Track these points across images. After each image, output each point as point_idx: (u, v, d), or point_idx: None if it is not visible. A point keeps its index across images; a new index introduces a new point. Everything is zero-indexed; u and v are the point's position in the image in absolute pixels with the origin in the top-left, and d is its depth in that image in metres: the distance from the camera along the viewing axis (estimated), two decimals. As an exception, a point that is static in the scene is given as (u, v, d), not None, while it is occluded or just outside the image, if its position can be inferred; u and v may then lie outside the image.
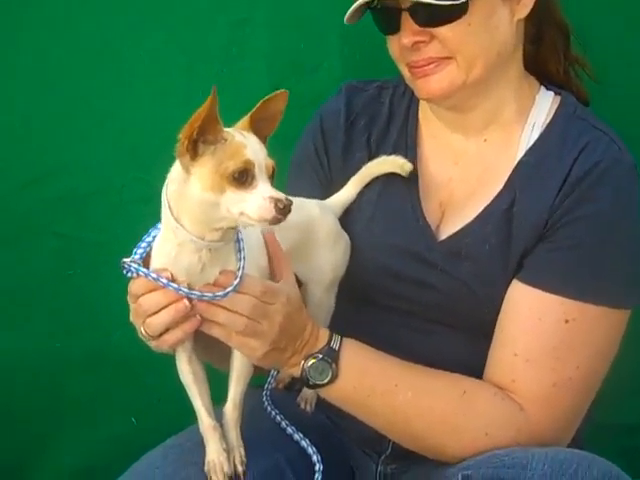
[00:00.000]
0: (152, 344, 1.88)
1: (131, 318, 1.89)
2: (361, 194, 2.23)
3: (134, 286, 1.84)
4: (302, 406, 2.19)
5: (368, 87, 2.35)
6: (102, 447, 2.85)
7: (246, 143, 1.73)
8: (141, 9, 2.68)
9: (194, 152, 1.71)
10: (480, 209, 2.09)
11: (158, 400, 2.79)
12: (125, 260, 1.82)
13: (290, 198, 1.71)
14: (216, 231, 1.77)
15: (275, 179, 1.76)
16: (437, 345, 2.12)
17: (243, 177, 1.69)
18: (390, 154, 2.22)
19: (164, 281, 1.78)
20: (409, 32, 2.04)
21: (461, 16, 2.00)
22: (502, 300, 2.03)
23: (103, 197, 2.72)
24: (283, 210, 1.69)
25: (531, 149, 2.10)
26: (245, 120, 1.80)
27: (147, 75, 2.71)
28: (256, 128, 1.79)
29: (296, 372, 1.97)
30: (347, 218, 2.21)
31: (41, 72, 2.69)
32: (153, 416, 2.81)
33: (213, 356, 1.96)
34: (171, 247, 1.80)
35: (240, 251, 1.83)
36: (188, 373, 1.91)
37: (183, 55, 2.69)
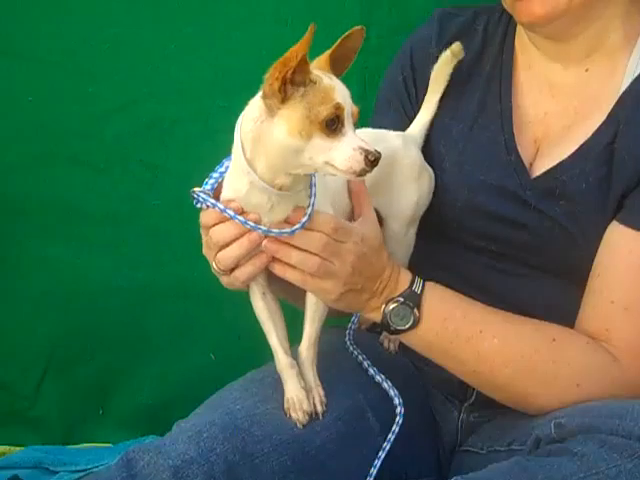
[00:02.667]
0: (224, 280, 1.85)
1: (203, 251, 1.85)
2: (449, 126, 2.14)
3: (205, 217, 1.79)
4: (385, 346, 2.15)
5: (462, 13, 2.24)
6: (181, 379, 2.86)
7: (335, 86, 1.65)
8: None
9: (284, 94, 1.62)
10: (578, 144, 1.99)
11: (238, 337, 2.80)
12: (195, 190, 1.77)
13: (377, 150, 1.64)
14: (289, 176, 1.70)
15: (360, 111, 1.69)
16: (526, 289, 2.04)
17: (334, 124, 1.62)
18: (483, 84, 2.13)
19: (231, 213, 1.73)
20: None
21: None
22: (599, 243, 1.93)
23: (188, 125, 2.69)
24: (373, 162, 1.62)
25: (637, 79, 1.97)
26: (324, 59, 1.70)
27: (236, 3, 2.66)
28: (332, 67, 1.70)
29: (376, 317, 1.90)
30: (434, 151, 2.13)
31: (122, 15, 2.69)
32: (233, 352, 2.81)
33: (288, 293, 1.92)
34: (241, 184, 1.74)
35: (311, 187, 1.76)
36: (263, 309, 1.87)
37: None
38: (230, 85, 2.57)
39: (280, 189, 1.71)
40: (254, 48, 2.58)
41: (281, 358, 1.86)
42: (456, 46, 2.11)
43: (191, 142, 2.69)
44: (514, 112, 2.09)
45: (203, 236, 1.83)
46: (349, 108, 1.64)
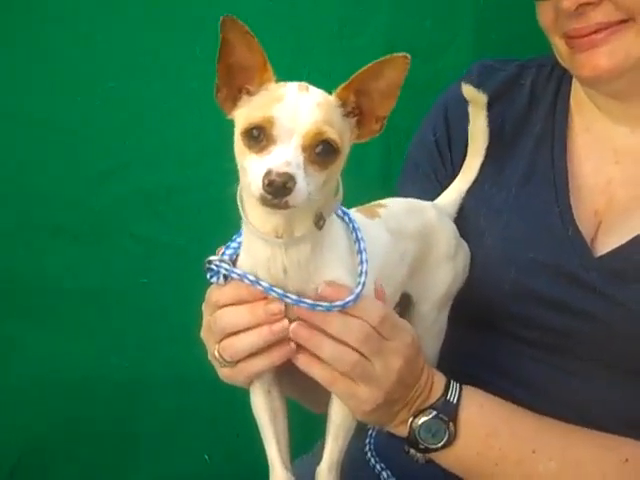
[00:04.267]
0: (224, 373, 1.61)
1: (202, 334, 1.64)
2: (492, 196, 1.97)
3: (218, 294, 1.56)
4: (412, 454, 1.84)
5: (505, 67, 2.10)
6: None
7: (283, 97, 1.41)
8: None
9: (233, 103, 1.48)
10: None
11: (237, 435, 2.62)
12: (212, 259, 1.54)
13: (289, 171, 1.36)
14: (275, 213, 1.43)
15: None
16: (588, 391, 1.82)
17: (258, 139, 1.39)
18: (531, 147, 1.98)
19: (265, 285, 1.48)
20: None
21: None
22: None
23: (186, 193, 2.55)
24: (271, 187, 1.34)
25: None
26: (345, 84, 1.47)
27: None
28: (362, 102, 1.48)
29: (402, 432, 1.69)
30: (472, 224, 1.96)
31: (118, 68, 2.54)
32: (230, 454, 2.66)
33: (303, 394, 1.72)
34: (248, 243, 1.52)
35: (362, 263, 1.53)
36: (264, 409, 1.62)
37: (293, 31, 2.50)
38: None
39: (278, 236, 1.47)
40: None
41: (278, 473, 1.61)
42: (468, 90, 1.95)
43: (189, 212, 2.55)
44: (570, 180, 1.93)
45: (205, 315, 1.61)
46: (295, 124, 1.39)
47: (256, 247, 1.50)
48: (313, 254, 1.50)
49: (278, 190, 1.33)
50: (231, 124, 2.48)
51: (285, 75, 2.43)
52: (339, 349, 1.52)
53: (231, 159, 2.36)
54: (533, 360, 1.86)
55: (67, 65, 2.52)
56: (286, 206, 1.34)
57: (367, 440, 1.89)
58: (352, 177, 2.35)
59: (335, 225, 1.55)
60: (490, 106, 2.00)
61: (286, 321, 1.50)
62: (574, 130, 1.99)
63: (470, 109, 1.98)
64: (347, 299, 1.48)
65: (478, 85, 2.02)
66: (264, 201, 1.35)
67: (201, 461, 2.69)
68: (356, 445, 1.80)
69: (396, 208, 1.79)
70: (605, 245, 1.84)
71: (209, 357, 1.63)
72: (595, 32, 1.80)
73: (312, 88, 1.45)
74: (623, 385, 1.80)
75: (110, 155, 2.55)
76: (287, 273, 1.49)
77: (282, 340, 1.53)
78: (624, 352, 1.78)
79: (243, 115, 1.44)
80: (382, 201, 1.81)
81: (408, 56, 1.45)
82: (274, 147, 1.37)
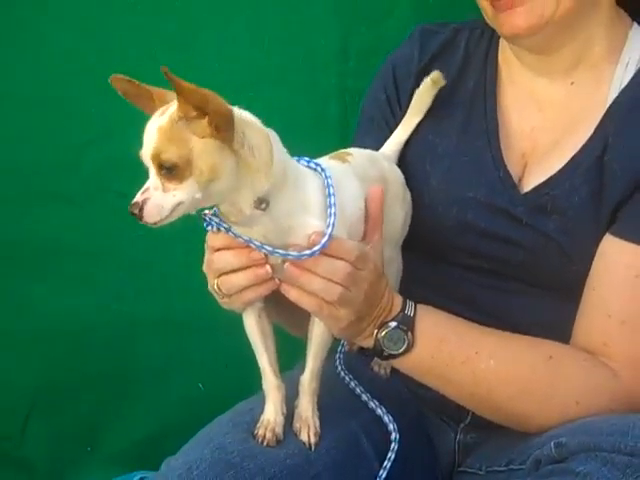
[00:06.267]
0: (222, 301, 1.81)
1: (204, 268, 1.80)
2: (435, 145, 2.12)
3: (213, 239, 1.74)
4: (376, 370, 2.12)
5: (443, 30, 2.23)
6: (170, 413, 2.84)
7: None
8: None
9: None
10: (567, 158, 1.97)
11: (226, 366, 2.77)
12: (207, 212, 1.70)
13: (136, 199, 1.57)
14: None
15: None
16: (520, 306, 2.01)
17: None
18: (467, 101, 2.13)
19: (246, 238, 1.68)
20: None
21: None
22: (593, 257, 1.90)
23: None
24: (133, 214, 1.57)
25: (625, 89, 1.96)
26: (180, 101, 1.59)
27: (211, 33, 2.66)
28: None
29: (369, 343, 1.86)
30: (419, 169, 2.11)
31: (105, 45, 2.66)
32: (221, 381, 2.79)
33: (286, 318, 1.90)
34: None
35: (330, 206, 1.70)
36: (256, 331, 1.82)
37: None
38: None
39: (233, 221, 1.69)
40: (233, 74, 2.62)
41: (270, 379, 1.83)
42: (436, 74, 2.09)
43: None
44: (500, 128, 2.08)
45: (207, 255, 1.78)
46: (144, 152, 1.58)
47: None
48: (286, 216, 1.68)
49: (134, 216, 1.56)
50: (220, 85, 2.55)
51: (248, 44, 2.54)
52: (327, 284, 1.71)
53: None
54: (477, 284, 2.04)
55: (52, 44, 2.64)
56: (150, 224, 1.56)
57: (337, 356, 2.00)
58: (313, 133, 2.55)
59: (309, 180, 1.72)
60: (431, 64, 2.15)
61: (268, 266, 1.69)
62: (502, 84, 2.12)
63: (427, 83, 2.10)
64: (322, 241, 1.66)
65: (420, 45, 2.18)
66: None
67: (196, 389, 2.83)
68: (328, 362, 1.92)
69: (359, 157, 1.94)
70: (530, 183, 1.99)
71: (209, 288, 1.80)
72: None
73: (170, 109, 1.56)
74: (550, 302, 1.98)
75: (94, 124, 2.67)
76: (267, 237, 1.68)
77: (270, 278, 1.72)
78: (549, 274, 1.96)
79: None
80: (346, 150, 1.98)
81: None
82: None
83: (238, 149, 1.59)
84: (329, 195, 1.71)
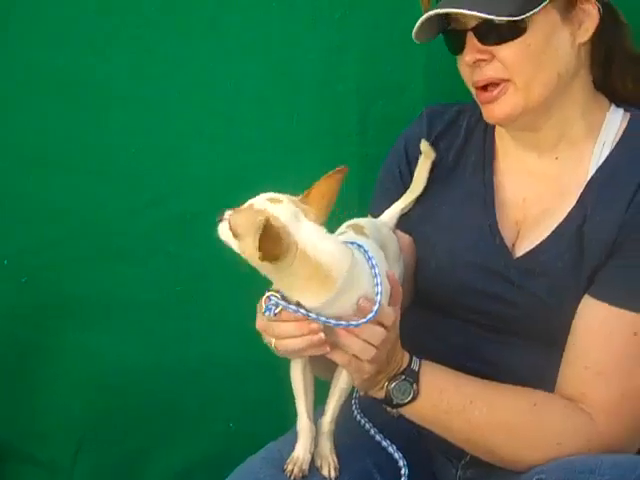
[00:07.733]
0: (278, 354, 1.94)
1: (258, 327, 1.93)
2: (439, 211, 2.28)
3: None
4: (388, 410, 2.23)
5: (448, 110, 2.39)
6: (205, 452, 3.00)
7: None
8: (237, 35, 2.81)
9: None
10: (553, 227, 2.12)
11: (254, 408, 2.91)
12: (271, 294, 1.87)
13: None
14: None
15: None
16: (512, 356, 2.15)
17: None
18: (469, 172, 2.28)
19: (303, 312, 1.83)
20: (472, 50, 2.09)
21: (520, 35, 2.04)
22: (574, 314, 2.05)
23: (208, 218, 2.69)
24: None
25: (601, 167, 2.11)
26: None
27: (250, 99, 2.83)
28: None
29: (381, 394, 2.01)
30: (428, 237, 2.27)
31: (157, 99, 2.84)
32: (249, 421, 2.93)
33: (322, 370, 2.05)
34: None
35: (376, 276, 1.87)
36: (300, 380, 2.00)
37: (284, 78, 2.79)
38: (249, 178, 2.64)
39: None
40: (269, 145, 2.80)
41: (304, 421, 2.00)
42: (425, 145, 2.26)
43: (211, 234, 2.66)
44: (496, 197, 2.23)
45: (264, 320, 1.90)
46: None
47: None
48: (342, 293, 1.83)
49: None
50: (255, 158, 2.78)
51: (285, 118, 2.73)
52: (365, 347, 1.86)
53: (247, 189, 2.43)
54: (476, 336, 2.18)
55: (105, 120, 2.83)
56: None
57: (353, 401, 2.15)
58: (337, 198, 2.69)
59: (358, 262, 1.88)
60: (437, 141, 2.32)
61: (322, 334, 1.82)
62: (498, 157, 2.27)
63: (420, 158, 2.28)
64: (374, 309, 1.83)
65: (428, 125, 2.36)
66: None
67: (227, 428, 2.98)
68: (345, 406, 2.09)
69: (368, 228, 2.09)
70: (522, 249, 2.14)
71: (265, 342, 1.92)
72: (490, 85, 2.09)
73: None
74: (538, 351, 2.11)
75: (147, 188, 2.85)
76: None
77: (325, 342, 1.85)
78: (538, 328, 2.10)
79: None
80: (355, 221, 2.14)
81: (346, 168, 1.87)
82: None
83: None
84: (372, 267, 1.88)
